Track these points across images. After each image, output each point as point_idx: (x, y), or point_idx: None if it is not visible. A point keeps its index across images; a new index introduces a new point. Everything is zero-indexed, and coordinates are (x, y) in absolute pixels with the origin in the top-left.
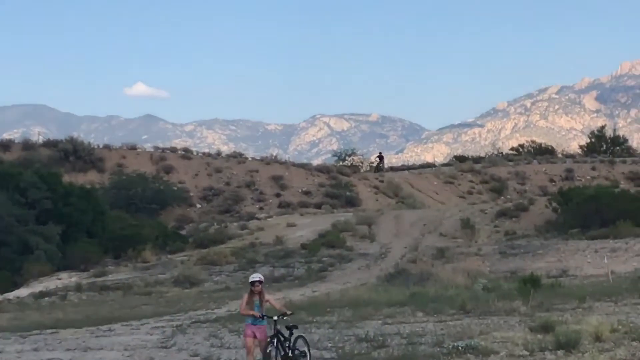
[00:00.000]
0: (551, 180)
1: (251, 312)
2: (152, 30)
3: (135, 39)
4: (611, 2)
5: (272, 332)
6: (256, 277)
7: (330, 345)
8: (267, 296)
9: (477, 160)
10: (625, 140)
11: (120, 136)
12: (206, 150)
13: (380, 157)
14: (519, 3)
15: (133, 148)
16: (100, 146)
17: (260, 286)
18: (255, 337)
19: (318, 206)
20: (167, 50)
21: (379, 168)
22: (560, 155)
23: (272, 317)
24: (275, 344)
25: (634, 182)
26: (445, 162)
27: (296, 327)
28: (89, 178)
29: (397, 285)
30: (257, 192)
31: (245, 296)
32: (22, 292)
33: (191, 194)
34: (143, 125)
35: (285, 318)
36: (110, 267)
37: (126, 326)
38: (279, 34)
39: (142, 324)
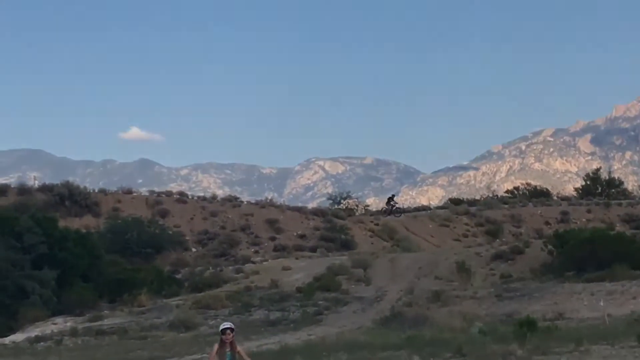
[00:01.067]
0: (547, 223)
1: None
2: (147, 75)
3: (131, 84)
4: (603, 45)
5: None
6: (227, 325)
7: None
8: (238, 347)
9: (472, 203)
10: (621, 183)
11: (115, 180)
12: (201, 194)
13: (389, 199)
14: (512, 46)
15: (128, 192)
16: (96, 190)
17: (232, 335)
18: None
19: (313, 249)
20: (162, 94)
21: (395, 210)
22: (555, 198)
23: None
24: None
25: (629, 225)
26: (440, 205)
27: None
28: (85, 222)
29: (393, 328)
30: (252, 235)
31: (215, 346)
32: (18, 337)
33: (187, 238)
34: (138, 170)
35: None
36: (105, 311)
37: None
38: (274, 77)
39: None
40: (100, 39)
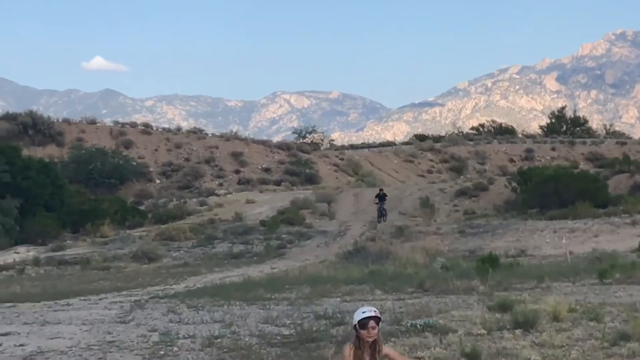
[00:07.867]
0: (511, 160)
1: None
2: (110, 2)
3: (95, 12)
4: None
5: None
6: (369, 311)
7: (288, 322)
8: (385, 349)
9: (437, 139)
10: (585, 121)
11: (79, 110)
12: (166, 126)
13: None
14: None
15: (92, 122)
16: (60, 120)
17: (377, 329)
18: None
19: (277, 183)
20: (126, 23)
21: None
22: (520, 136)
23: None
24: None
25: (593, 163)
26: (405, 140)
27: None
28: (48, 152)
29: (356, 263)
30: (216, 168)
31: (347, 349)
32: None
33: (150, 169)
34: (102, 100)
35: None
36: (68, 241)
37: (84, 301)
38: (240, 9)
39: (100, 299)
40: None
